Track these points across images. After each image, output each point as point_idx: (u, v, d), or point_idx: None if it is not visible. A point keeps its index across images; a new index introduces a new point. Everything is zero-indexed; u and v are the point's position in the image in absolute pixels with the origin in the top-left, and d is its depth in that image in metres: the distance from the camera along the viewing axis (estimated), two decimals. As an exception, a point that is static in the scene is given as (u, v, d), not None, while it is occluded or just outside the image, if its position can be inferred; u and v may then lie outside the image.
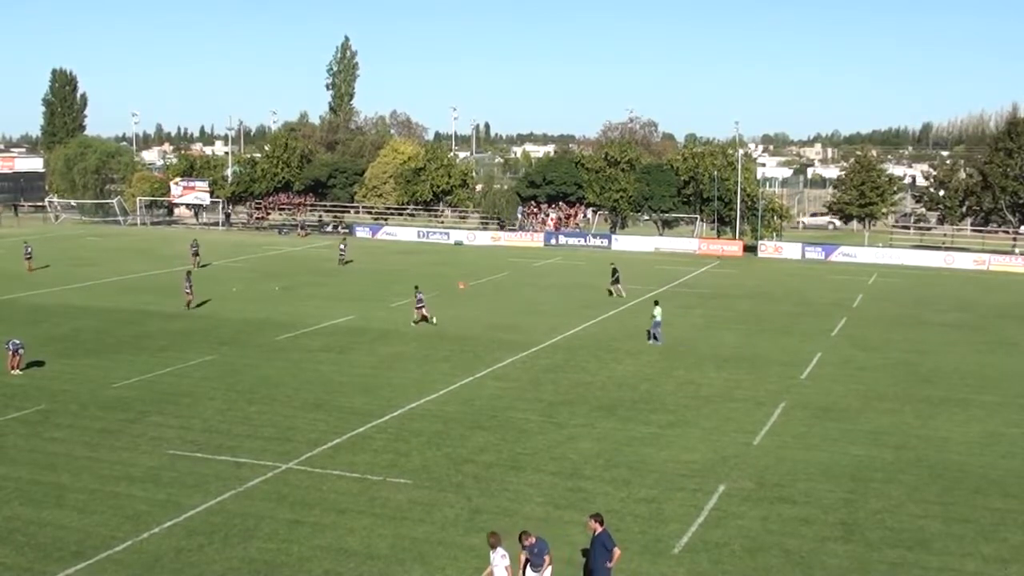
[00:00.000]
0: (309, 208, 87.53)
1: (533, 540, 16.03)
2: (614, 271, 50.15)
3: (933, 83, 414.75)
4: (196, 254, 58.83)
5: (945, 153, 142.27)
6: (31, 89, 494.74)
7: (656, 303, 38.58)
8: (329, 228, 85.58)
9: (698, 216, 77.60)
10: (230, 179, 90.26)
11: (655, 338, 37.51)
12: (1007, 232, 72.06)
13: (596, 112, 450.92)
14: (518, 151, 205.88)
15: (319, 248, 72.21)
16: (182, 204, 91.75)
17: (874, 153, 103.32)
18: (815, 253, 69.39)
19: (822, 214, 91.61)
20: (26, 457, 23.46)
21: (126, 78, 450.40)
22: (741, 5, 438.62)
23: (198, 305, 44.20)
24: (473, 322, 41.65)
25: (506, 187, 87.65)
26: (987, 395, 30.48)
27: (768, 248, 70.64)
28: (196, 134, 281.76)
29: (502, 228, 79.75)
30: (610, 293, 49.49)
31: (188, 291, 44.09)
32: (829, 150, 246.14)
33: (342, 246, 62.68)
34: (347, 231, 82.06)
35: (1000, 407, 29.08)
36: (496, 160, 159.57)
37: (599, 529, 16.11)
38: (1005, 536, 19.44)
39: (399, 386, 30.42)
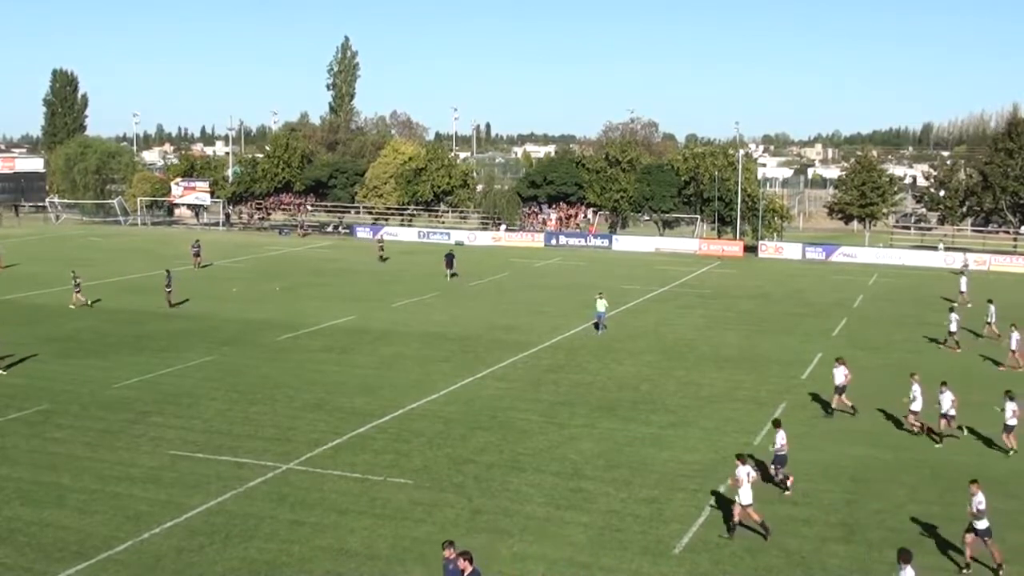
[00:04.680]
0: (310, 209, 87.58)
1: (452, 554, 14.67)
2: (449, 255, 55.81)
3: (933, 83, 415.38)
4: (197, 254, 58.85)
5: (946, 153, 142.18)
6: (31, 89, 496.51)
7: (600, 295, 39.96)
8: (329, 228, 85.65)
9: (699, 216, 77.58)
10: (231, 179, 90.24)
11: (597, 328, 39.25)
12: (1007, 232, 72.06)
13: (597, 112, 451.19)
14: (519, 151, 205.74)
15: (319, 248, 72.26)
16: (183, 204, 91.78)
17: (875, 153, 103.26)
18: (816, 253, 69.39)
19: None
20: (27, 457, 23.48)
21: (126, 78, 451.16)
22: (741, 5, 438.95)
23: (176, 304, 44.21)
24: (474, 322, 41.66)
25: (507, 187, 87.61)
26: (987, 395, 30.39)
27: (769, 248, 70.64)
28: (197, 134, 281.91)
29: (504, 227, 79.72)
30: (451, 275, 54.25)
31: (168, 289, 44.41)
32: (830, 150, 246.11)
33: (380, 243, 66.00)
34: (347, 231, 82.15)
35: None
36: (497, 160, 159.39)
37: (468, 569, 14.31)
38: (1005, 536, 19.39)
39: (400, 386, 30.44)
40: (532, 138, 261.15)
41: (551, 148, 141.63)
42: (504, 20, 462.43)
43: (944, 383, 26.05)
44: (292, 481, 22.00)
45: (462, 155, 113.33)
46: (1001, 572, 17.91)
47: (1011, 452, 24.63)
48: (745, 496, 19.04)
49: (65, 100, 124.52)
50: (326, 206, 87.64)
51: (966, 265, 62.88)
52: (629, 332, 39.70)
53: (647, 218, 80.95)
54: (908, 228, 79.79)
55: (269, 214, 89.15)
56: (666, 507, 20.77)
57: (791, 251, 70.02)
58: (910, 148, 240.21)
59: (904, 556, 15.45)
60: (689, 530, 19.58)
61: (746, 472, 19.17)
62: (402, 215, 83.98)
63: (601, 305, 39.56)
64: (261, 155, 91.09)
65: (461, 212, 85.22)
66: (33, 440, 24.79)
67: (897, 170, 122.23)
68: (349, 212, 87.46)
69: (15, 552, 18.14)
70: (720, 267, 63.99)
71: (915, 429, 26.32)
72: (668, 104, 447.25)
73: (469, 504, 20.78)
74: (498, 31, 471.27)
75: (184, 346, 35.88)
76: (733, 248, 71.28)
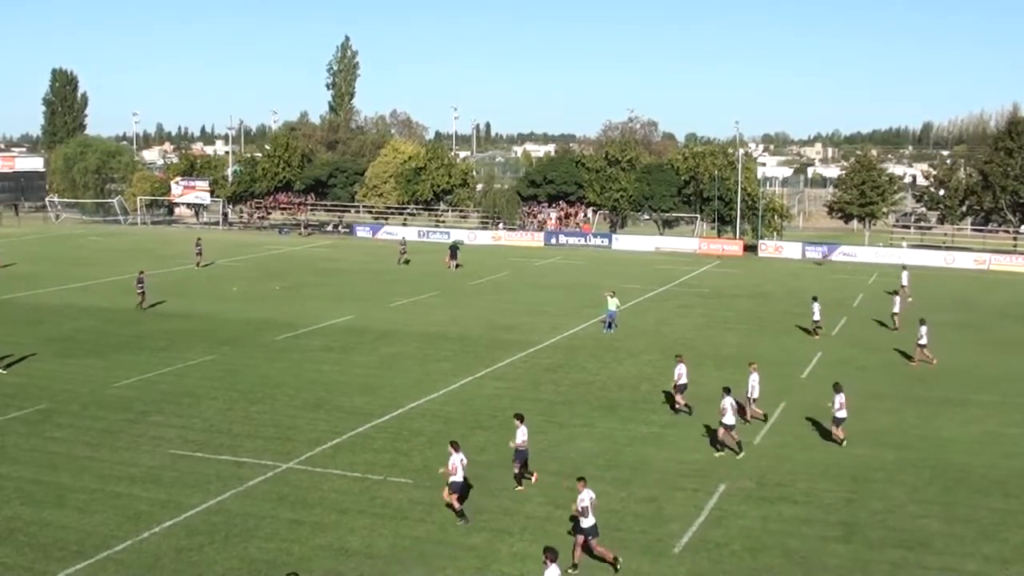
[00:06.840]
0: (310, 208, 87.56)
1: None
2: (454, 246, 59.66)
3: (933, 83, 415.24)
4: (199, 253, 58.84)
5: (945, 153, 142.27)
6: (31, 89, 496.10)
7: (613, 294, 40.61)
8: (329, 227, 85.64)
9: (698, 216, 77.58)
10: (231, 179, 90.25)
11: (610, 326, 39.62)
12: (1007, 232, 72.05)
13: (596, 112, 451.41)
14: (519, 150, 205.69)
15: (320, 248, 72.25)
16: (182, 204, 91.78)
17: (874, 153, 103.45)
18: (816, 253, 69.35)
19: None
20: (27, 457, 23.48)
21: (126, 78, 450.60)
22: (741, 5, 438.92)
23: (146, 307, 43.83)
24: (474, 322, 41.66)
25: (507, 186, 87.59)
26: (987, 395, 30.48)
27: (768, 248, 70.63)
28: (197, 133, 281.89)
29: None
30: (455, 266, 57.74)
31: (140, 291, 43.96)
32: (829, 150, 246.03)
33: (402, 246, 63.70)
34: (347, 230, 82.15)
35: (1000, 407, 29.09)
36: (497, 159, 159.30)
37: None
38: (1006, 536, 19.46)
39: (399, 386, 30.43)
40: (532, 137, 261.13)
41: (551, 147, 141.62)
42: (504, 20, 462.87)
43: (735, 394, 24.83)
44: (292, 480, 22.00)
45: (462, 154, 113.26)
46: (619, 566, 17.63)
47: (843, 443, 24.85)
48: (453, 482, 20.01)
49: (65, 100, 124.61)
50: (326, 205, 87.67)
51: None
52: (629, 331, 39.69)
53: (647, 217, 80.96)
54: (908, 227, 79.75)
55: (269, 213, 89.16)
56: (666, 506, 20.78)
57: (791, 250, 69.98)
58: (910, 147, 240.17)
59: (550, 555, 15.47)
60: (689, 529, 19.59)
61: (459, 459, 20.07)
62: (402, 213, 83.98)
63: (612, 303, 39.82)
64: (261, 154, 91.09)
65: (461, 211, 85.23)
66: (33, 439, 24.79)
67: (897, 169, 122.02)
68: (349, 211, 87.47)
69: (15, 552, 18.14)
70: (720, 266, 63.97)
71: (760, 416, 26.97)
72: (668, 104, 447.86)
73: (469, 504, 20.76)
74: (498, 31, 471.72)
75: (184, 346, 35.87)
76: (733, 247, 71.27)
